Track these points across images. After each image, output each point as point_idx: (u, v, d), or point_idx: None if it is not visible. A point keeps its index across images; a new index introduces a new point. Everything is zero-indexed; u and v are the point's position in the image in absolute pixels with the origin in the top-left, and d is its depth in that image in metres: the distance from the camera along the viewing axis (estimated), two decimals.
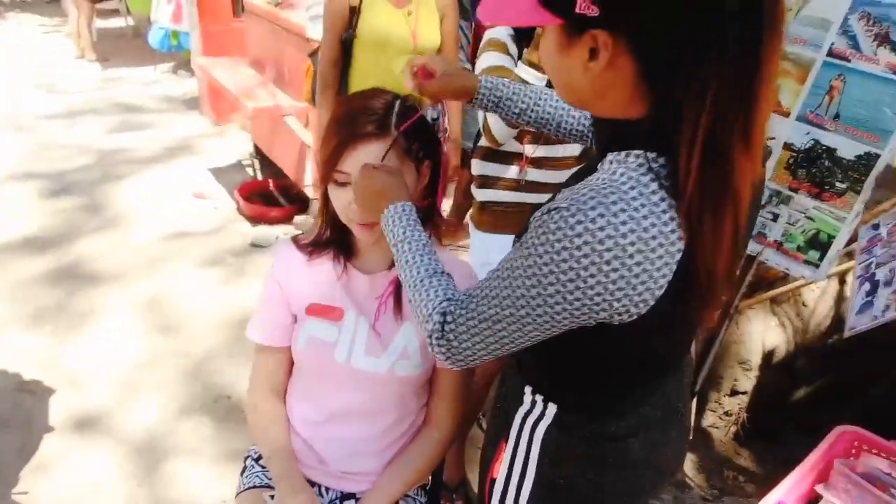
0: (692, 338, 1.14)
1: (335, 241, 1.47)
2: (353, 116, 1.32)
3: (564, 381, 1.12)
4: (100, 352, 3.18)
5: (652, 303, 0.87)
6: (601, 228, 0.82)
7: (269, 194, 4.62)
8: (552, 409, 1.12)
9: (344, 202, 1.33)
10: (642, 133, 0.87)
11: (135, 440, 2.71)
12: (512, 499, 1.17)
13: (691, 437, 2.84)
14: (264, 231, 4.28)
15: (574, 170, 1.25)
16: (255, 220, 4.40)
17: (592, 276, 0.84)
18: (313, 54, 3.27)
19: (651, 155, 0.86)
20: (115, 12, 9.27)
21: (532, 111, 1.42)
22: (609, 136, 0.94)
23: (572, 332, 0.97)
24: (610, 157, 0.91)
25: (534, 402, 1.14)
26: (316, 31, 3.60)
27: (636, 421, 1.11)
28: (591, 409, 1.11)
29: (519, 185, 2.13)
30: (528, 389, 1.15)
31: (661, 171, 0.85)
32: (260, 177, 4.94)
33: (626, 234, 0.82)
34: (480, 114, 2.05)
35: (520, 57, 1.99)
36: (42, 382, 2.97)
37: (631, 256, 0.83)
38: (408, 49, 2.66)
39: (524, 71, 1.91)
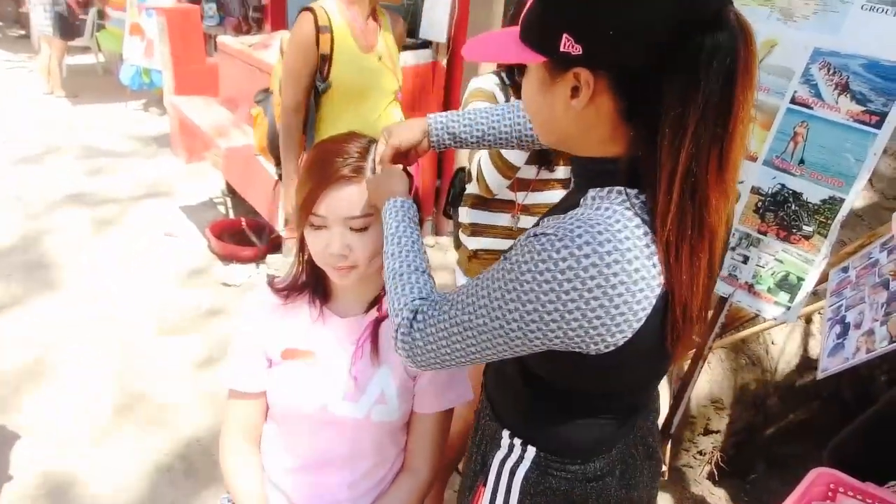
0: (664, 374, 1.15)
1: (311, 284, 1.46)
2: (328, 160, 1.32)
3: (542, 423, 1.12)
4: (67, 399, 3.10)
5: (629, 335, 0.88)
6: (586, 256, 0.83)
7: (242, 233, 4.59)
8: (531, 451, 1.12)
9: (321, 246, 1.32)
10: (622, 170, 0.90)
11: (104, 490, 2.64)
12: None
13: (666, 478, 2.84)
14: (236, 270, 4.24)
15: None
16: (226, 258, 4.36)
17: (573, 300, 0.85)
18: (261, 101, 3.22)
19: (632, 191, 0.88)
20: (86, 49, 9.22)
21: (490, 135, 1.42)
22: (590, 174, 0.96)
23: (549, 369, 0.99)
24: (592, 192, 0.93)
25: (511, 446, 1.14)
26: None
27: (613, 459, 1.12)
28: (571, 450, 1.11)
29: (512, 233, 2.14)
30: (505, 433, 1.15)
31: (643, 207, 0.87)
32: (232, 215, 4.91)
33: (611, 265, 0.84)
34: (474, 164, 2.06)
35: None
36: (5, 427, 2.89)
37: (613, 287, 0.84)
38: (391, 92, 2.68)
39: None
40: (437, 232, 4.66)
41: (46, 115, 7.39)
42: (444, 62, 4.28)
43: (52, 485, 2.63)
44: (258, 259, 4.35)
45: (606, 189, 0.91)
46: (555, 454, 1.11)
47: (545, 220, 0.94)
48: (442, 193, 2.87)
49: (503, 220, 2.15)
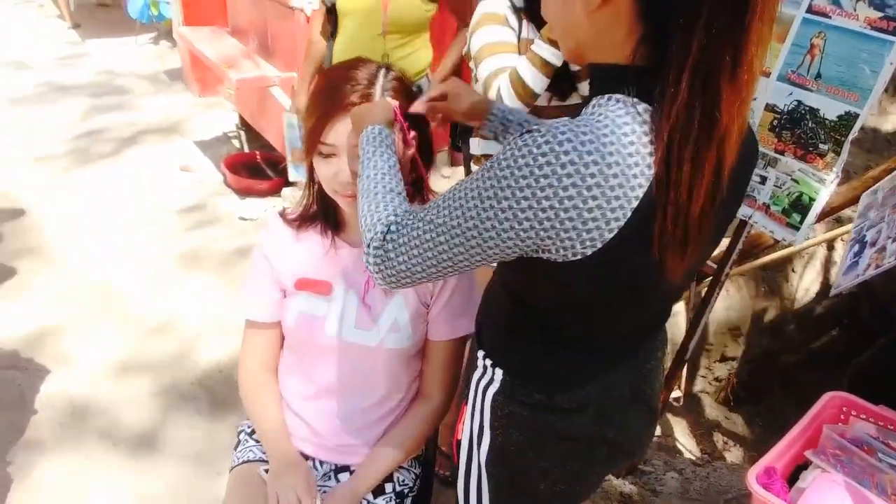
0: (654, 310, 1.12)
1: (322, 214, 1.45)
2: (336, 87, 1.30)
3: (511, 347, 1.13)
4: (89, 334, 3.15)
5: (599, 245, 0.86)
6: (566, 153, 0.82)
7: (257, 166, 4.58)
8: (499, 374, 1.13)
9: (329, 174, 1.31)
10: (629, 77, 0.88)
11: (127, 417, 2.71)
12: (476, 461, 1.19)
13: (681, 403, 2.87)
14: (252, 204, 4.24)
15: None
16: (242, 192, 4.36)
17: (547, 198, 0.83)
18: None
19: (633, 99, 0.86)
20: None
21: None
22: (599, 81, 0.94)
23: (521, 284, 0.99)
24: (594, 101, 0.91)
25: (485, 368, 1.15)
26: (298, 1, 3.54)
27: (586, 396, 1.10)
28: (537, 379, 1.11)
29: None
30: (480, 354, 1.16)
31: (641, 115, 0.85)
32: (247, 149, 4.89)
33: (589, 165, 0.82)
34: (493, 91, 1.96)
35: (520, 30, 1.95)
36: (33, 360, 2.96)
37: (588, 188, 0.82)
38: (378, 21, 2.59)
39: (543, 49, 1.85)
40: (451, 163, 4.62)
41: (55, 50, 7.32)
42: None
43: (79, 415, 2.70)
44: (274, 192, 4.35)
45: (606, 97, 0.89)
46: (520, 379, 1.11)
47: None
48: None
49: None
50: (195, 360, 3.02)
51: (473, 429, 1.18)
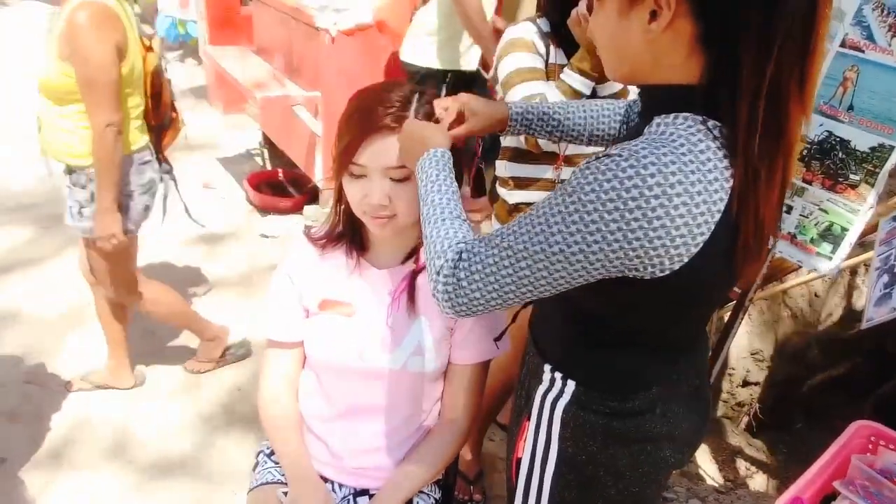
0: (713, 309, 1.17)
1: (348, 234, 1.46)
2: (370, 109, 1.30)
3: (581, 359, 1.14)
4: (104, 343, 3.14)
5: (686, 259, 0.89)
6: (652, 175, 0.84)
7: (279, 184, 4.61)
8: (571, 385, 1.14)
9: (359, 195, 1.31)
10: (695, 97, 0.90)
11: (143, 435, 2.71)
12: (537, 476, 1.19)
13: None
14: (274, 221, 4.27)
15: None
16: (264, 210, 4.39)
17: (636, 220, 0.86)
18: None
19: (701, 117, 0.90)
20: None
21: (563, 126, 1.46)
22: (658, 102, 0.96)
23: (588, 304, 1.01)
24: (657, 120, 0.94)
25: (553, 380, 1.16)
26: (325, 21, 3.58)
27: (655, 395, 1.12)
28: (610, 385, 1.12)
29: (554, 185, 2.11)
30: (546, 367, 1.17)
31: (712, 130, 0.89)
32: (269, 167, 4.93)
33: (674, 185, 0.85)
34: None
35: (548, 56, 1.96)
36: (54, 375, 2.98)
37: (676, 207, 0.85)
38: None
39: (572, 78, 1.88)
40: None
41: None
42: None
43: (95, 432, 2.70)
44: (296, 210, 4.37)
45: (672, 115, 0.92)
46: (593, 389, 1.13)
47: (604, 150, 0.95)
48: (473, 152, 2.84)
49: (546, 172, 2.11)
50: (213, 379, 3.02)
51: (539, 444, 1.18)
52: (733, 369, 3.10)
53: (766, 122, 0.86)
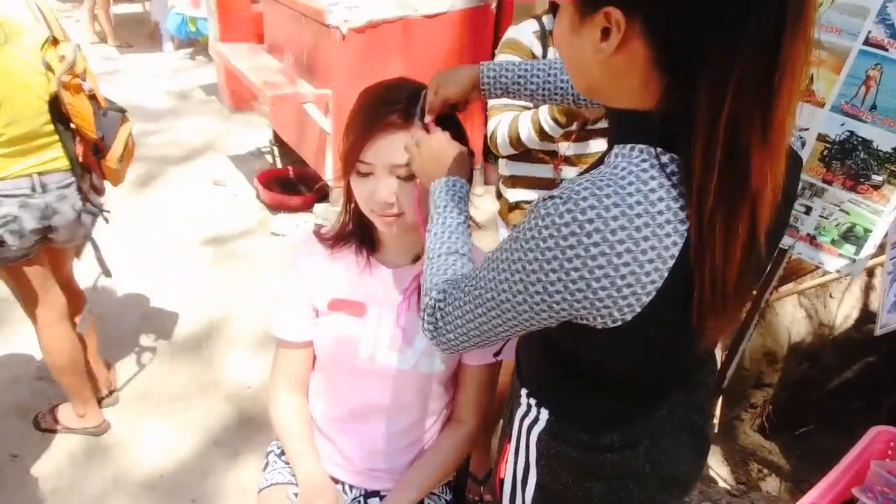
0: (700, 354, 1.07)
1: (357, 233, 1.44)
2: (376, 106, 1.29)
3: (554, 389, 1.09)
4: (117, 349, 3.15)
5: (638, 309, 0.82)
6: (590, 221, 0.77)
7: (290, 182, 4.60)
8: (544, 414, 1.09)
9: (366, 193, 1.30)
10: (651, 125, 0.82)
11: (152, 432, 2.71)
12: (519, 499, 1.16)
13: (715, 431, 2.81)
14: (284, 219, 4.26)
15: None
16: (274, 208, 4.38)
17: (576, 269, 0.80)
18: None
19: (657, 150, 0.81)
20: None
21: (545, 87, 1.35)
22: (619, 128, 0.89)
23: (560, 336, 0.94)
24: (616, 149, 0.86)
25: (529, 406, 1.11)
26: (336, 18, 3.56)
27: (636, 433, 1.06)
28: (583, 419, 1.07)
29: (554, 185, 2.08)
30: (523, 392, 1.13)
31: (667, 166, 0.80)
32: (280, 164, 4.92)
33: (616, 231, 0.77)
34: (491, 123, 2.00)
35: (545, 58, 1.94)
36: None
37: (619, 255, 0.78)
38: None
39: (544, 117, 1.87)
40: (486, 181, 4.60)
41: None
42: (493, 6, 4.16)
43: (105, 429, 2.70)
44: (306, 208, 4.36)
45: (629, 146, 0.84)
46: (565, 420, 1.08)
47: (564, 183, 0.89)
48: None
49: (543, 171, 2.09)
50: (222, 377, 3.02)
51: (518, 467, 1.15)
52: (746, 370, 3.06)
53: (724, 166, 0.76)
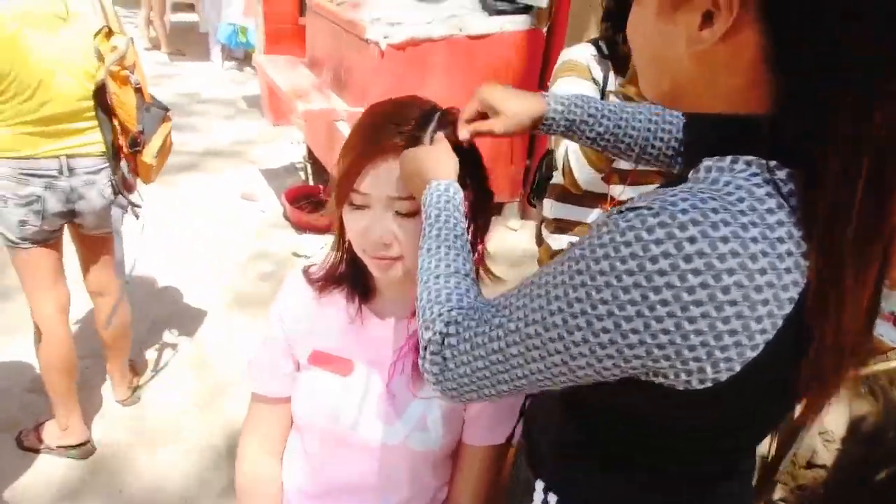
0: (771, 429, 0.89)
1: (350, 276, 1.21)
2: (379, 125, 1.07)
3: (584, 477, 0.86)
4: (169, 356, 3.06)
5: (737, 368, 0.63)
6: (691, 240, 0.59)
7: (320, 201, 4.43)
8: (553, 500, 0.86)
9: (359, 229, 1.07)
10: (760, 134, 0.64)
11: (152, 470, 2.52)
12: None
13: None
14: (309, 240, 4.08)
15: None
16: (300, 227, 4.20)
17: (665, 303, 0.61)
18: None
19: (770, 163, 0.63)
20: (189, 6, 9.31)
21: (612, 134, 1.14)
22: (708, 138, 0.70)
23: (605, 400, 0.73)
24: (708, 162, 0.68)
25: (545, 503, 0.88)
26: (375, 33, 3.38)
27: None
28: None
29: None
30: (539, 485, 0.89)
31: (785, 184, 0.62)
32: (312, 182, 4.76)
33: (725, 257, 0.59)
34: (560, 151, 1.75)
35: (605, 84, 1.71)
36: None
37: (726, 290, 0.60)
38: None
39: None
40: (522, 215, 4.35)
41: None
42: (544, 30, 3.93)
43: (107, 464, 2.53)
44: (333, 230, 4.17)
45: (729, 158, 0.65)
46: None
47: (632, 199, 0.69)
48: (530, 175, 2.57)
49: (593, 216, 1.84)
50: (226, 405, 2.82)
51: None
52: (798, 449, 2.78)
53: (866, 196, 0.59)
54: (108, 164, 2.27)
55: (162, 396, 2.84)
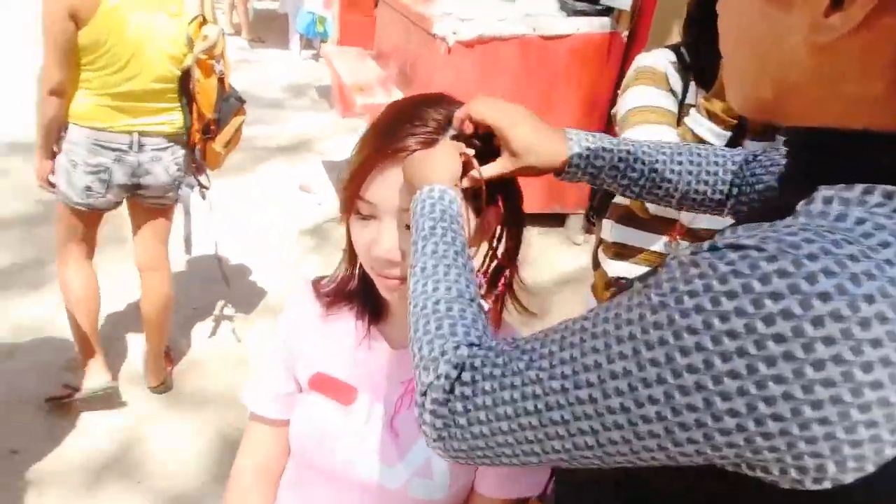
0: None
1: (362, 293, 1.07)
2: (394, 125, 0.92)
3: None
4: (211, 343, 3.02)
5: (869, 469, 0.47)
6: (824, 297, 0.44)
7: None
8: None
9: (366, 242, 0.94)
10: (892, 160, 0.50)
11: (169, 459, 2.45)
12: None
13: None
14: None
15: None
16: None
17: (780, 379, 0.45)
18: None
19: None
20: None
21: (647, 179, 0.98)
22: (823, 158, 0.55)
23: (679, 493, 0.57)
24: (825, 192, 0.52)
25: None
26: (443, 28, 3.25)
27: None
28: None
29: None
30: None
31: None
32: None
33: (870, 323, 0.44)
34: None
35: (685, 96, 1.52)
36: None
37: (867, 367, 0.44)
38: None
39: (697, 123, 1.42)
40: (589, 230, 4.14)
41: None
42: (624, 35, 3.70)
43: (130, 452, 2.48)
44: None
45: (859, 188, 0.50)
46: None
47: (723, 232, 0.54)
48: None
49: (658, 243, 1.64)
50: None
51: None
52: None
53: None
54: (174, 143, 2.35)
55: (195, 386, 2.77)
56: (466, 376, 0.63)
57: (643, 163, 0.97)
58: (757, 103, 0.59)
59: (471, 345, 0.67)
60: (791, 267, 0.46)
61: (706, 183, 0.99)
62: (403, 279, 0.93)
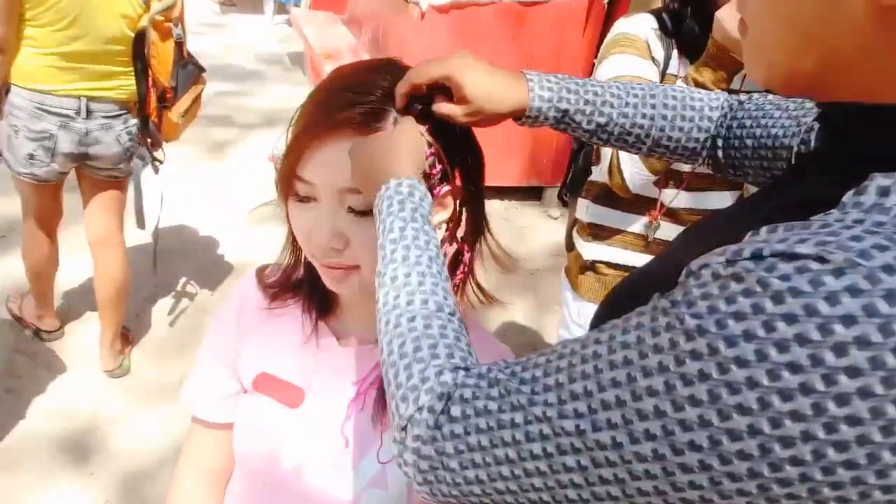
0: None
1: (308, 285, 0.97)
2: (334, 94, 0.82)
3: None
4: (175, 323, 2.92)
5: None
6: None
7: None
8: None
9: (305, 227, 0.84)
10: None
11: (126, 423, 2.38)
12: None
13: None
14: None
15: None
16: None
17: (854, 420, 0.38)
18: None
19: None
20: None
21: (616, 125, 0.89)
22: (874, 140, 0.48)
23: None
24: (883, 181, 0.44)
25: None
26: None
27: None
28: None
29: (645, 244, 1.55)
30: None
31: None
32: None
33: None
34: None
35: (667, 65, 1.42)
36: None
37: None
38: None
39: None
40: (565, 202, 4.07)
41: (192, 17, 7.30)
42: (605, 0, 3.62)
43: (76, 440, 2.38)
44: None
45: None
46: None
47: (758, 232, 0.45)
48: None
49: (636, 224, 1.55)
50: None
51: None
52: None
53: None
54: (126, 112, 2.23)
55: (153, 368, 2.67)
56: (456, 411, 0.55)
57: (611, 105, 0.88)
58: (791, 76, 0.50)
59: (456, 369, 0.58)
60: (864, 283, 0.38)
61: (681, 129, 0.91)
62: (349, 268, 0.84)
